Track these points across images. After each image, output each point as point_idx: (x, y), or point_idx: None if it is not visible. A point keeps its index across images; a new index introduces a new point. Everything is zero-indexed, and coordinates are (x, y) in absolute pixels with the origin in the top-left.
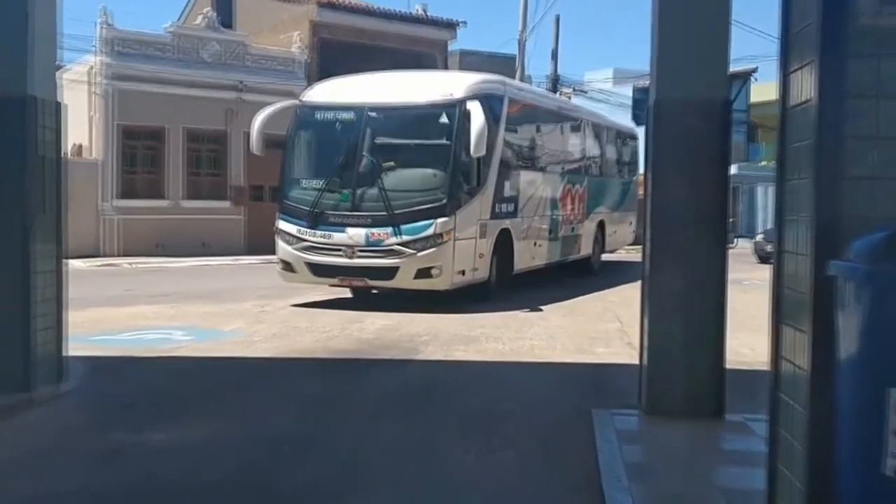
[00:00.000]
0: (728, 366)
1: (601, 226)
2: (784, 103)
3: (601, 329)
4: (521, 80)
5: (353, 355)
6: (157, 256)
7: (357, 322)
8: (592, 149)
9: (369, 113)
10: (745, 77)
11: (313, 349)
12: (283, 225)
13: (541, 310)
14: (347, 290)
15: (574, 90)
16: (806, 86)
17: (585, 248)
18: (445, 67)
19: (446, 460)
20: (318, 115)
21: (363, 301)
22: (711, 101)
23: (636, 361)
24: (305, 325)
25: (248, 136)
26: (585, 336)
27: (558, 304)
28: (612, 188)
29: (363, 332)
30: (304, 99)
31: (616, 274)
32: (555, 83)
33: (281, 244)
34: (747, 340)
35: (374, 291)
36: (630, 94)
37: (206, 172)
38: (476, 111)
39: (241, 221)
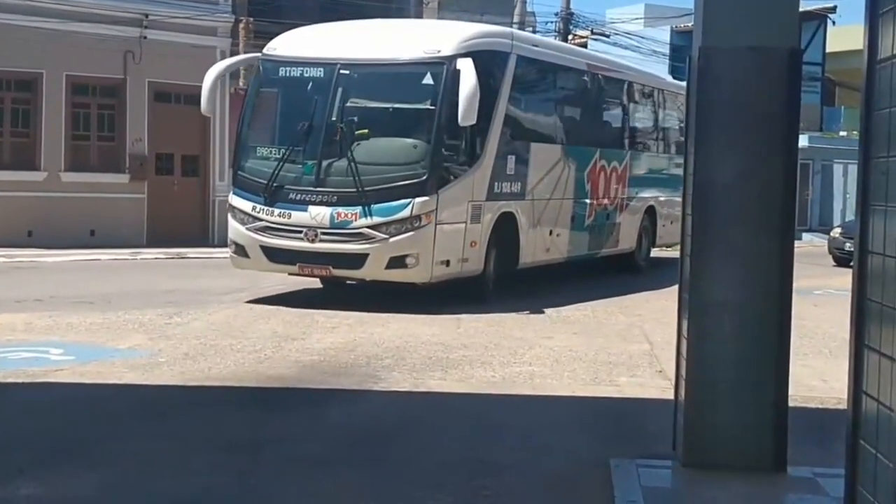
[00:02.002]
0: (793, 403)
1: (651, 213)
2: (871, 54)
3: (624, 351)
4: (522, 18)
5: (290, 384)
6: (29, 248)
7: (298, 338)
8: (640, 117)
9: (341, 71)
10: (820, 18)
11: (237, 375)
12: (236, 201)
13: (546, 319)
14: (308, 281)
15: (592, 32)
16: None
17: (626, 241)
18: (420, 5)
19: None
20: (282, 72)
21: (312, 302)
22: (775, 51)
23: (670, 396)
24: (228, 341)
25: (152, 87)
26: (603, 361)
27: (570, 313)
28: (668, 167)
29: (305, 352)
30: (266, 52)
31: (667, 275)
32: (566, 23)
33: (233, 224)
34: (819, 368)
35: (351, 282)
36: (667, 38)
37: (97, 136)
38: (467, 71)
39: (142, 202)
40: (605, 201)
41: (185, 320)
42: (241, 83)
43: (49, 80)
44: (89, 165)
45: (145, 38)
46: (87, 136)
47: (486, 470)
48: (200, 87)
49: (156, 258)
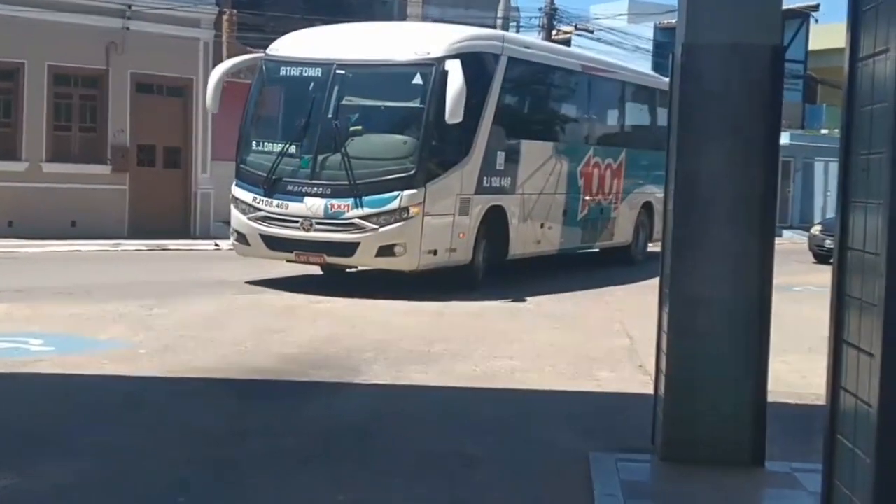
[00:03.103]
0: (772, 398)
1: (648, 209)
2: (853, 52)
3: (605, 346)
4: (506, 13)
5: (271, 376)
6: (9, 238)
7: (280, 331)
8: (636, 116)
9: (337, 70)
10: (803, 16)
11: (218, 367)
12: (238, 192)
13: (528, 313)
14: (291, 273)
15: (576, 28)
16: (884, 29)
17: (622, 235)
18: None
19: None
20: (283, 72)
21: (294, 294)
22: (757, 48)
23: (650, 391)
24: (209, 333)
25: (135, 77)
26: (583, 356)
27: (553, 307)
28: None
29: (287, 345)
30: (268, 53)
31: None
32: (550, 19)
33: (236, 213)
34: (798, 365)
35: (350, 270)
36: (651, 35)
37: (78, 126)
38: (455, 72)
39: (124, 193)
40: (599, 197)
41: (165, 312)
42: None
43: (31, 69)
44: (71, 156)
45: (128, 28)
46: (68, 126)
47: (465, 463)
48: (183, 79)
49: (137, 250)
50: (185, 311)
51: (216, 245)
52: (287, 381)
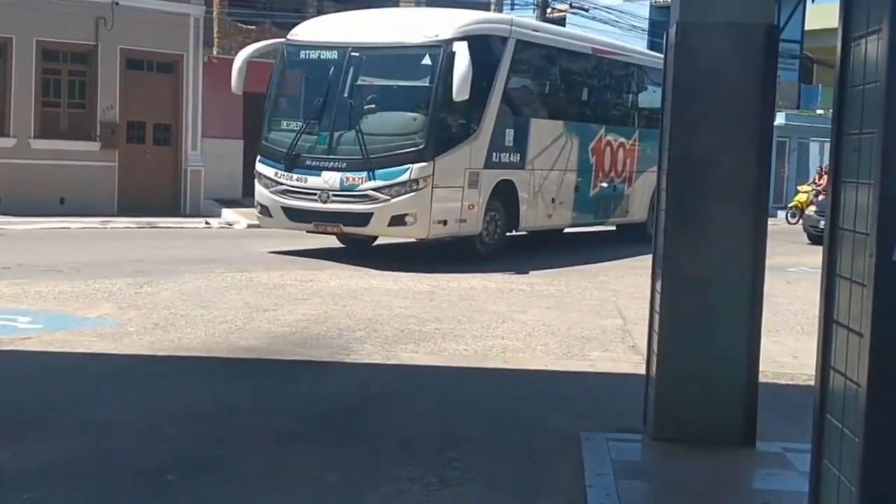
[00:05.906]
0: (764, 378)
1: None
2: (846, 30)
3: (598, 326)
4: None
5: (261, 355)
6: None
7: (270, 309)
8: (650, 98)
9: (352, 53)
10: None
11: (207, 346)
12: (261, 168)
13: (520, 293)
14: (280, 249)
15: (570, 6)
16: (877, 8)
17: (637, 212)
18: None
19: (383, 498)
20: (303, 55)
21: (284, 273)
22: (752, 27)
23: (642, 371)
24: (199, 312)
25: (124, 53)
26: (576, 335)
27: (546, 287)
28: None
29: (277, 323)
30: (289, 38)
31: None
32: None
33: (259, 188)
34: (791, 345)
35: (373, 245)
36: (646, 13)
37: (67, 103)
38: (462, 53)
39: (113, 170)
40: (612, 174)
41: (155, 290)
42: (214, 52)
43: (19, 45)
44: (59, 132)
45: (117, 3)
46: (57, 102)
47: (456, 442)
48: (173, 55)
49: (126, 227)
50: (174, 289)
51: (206, 223)
52: (277, 360)
